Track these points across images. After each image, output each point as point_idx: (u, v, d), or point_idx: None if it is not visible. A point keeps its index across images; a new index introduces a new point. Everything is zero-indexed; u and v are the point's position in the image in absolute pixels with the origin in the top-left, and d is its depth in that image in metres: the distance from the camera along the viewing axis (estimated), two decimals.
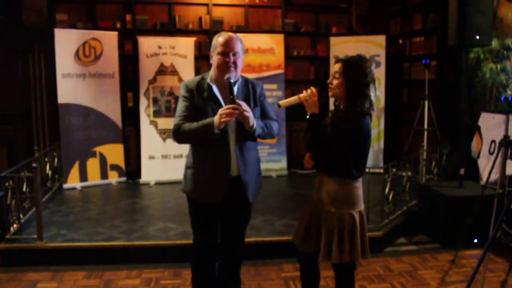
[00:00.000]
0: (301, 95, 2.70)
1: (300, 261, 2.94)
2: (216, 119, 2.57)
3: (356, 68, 2.59)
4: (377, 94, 2.70)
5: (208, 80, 2.77)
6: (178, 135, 2.74)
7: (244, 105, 2.62)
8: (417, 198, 5.21)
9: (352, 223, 2.66)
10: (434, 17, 6.63)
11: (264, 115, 2.90)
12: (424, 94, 6.29)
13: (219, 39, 2.73)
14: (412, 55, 7.21)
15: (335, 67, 2.66)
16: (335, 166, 2.66)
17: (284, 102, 2.79)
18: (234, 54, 2.70)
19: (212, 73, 2.79)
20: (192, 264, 3.01)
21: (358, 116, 2.57)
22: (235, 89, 2.73)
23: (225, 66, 2.68)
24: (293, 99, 2.76)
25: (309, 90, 2.69)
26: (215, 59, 2.73)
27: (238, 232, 3.01)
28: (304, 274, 2.96)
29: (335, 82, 2.64)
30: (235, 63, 2.70)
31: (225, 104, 2.70)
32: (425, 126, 6.30)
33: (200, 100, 2.73)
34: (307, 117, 2.67)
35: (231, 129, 2.74)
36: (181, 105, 2.77)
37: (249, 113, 2.63)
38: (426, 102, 6.26)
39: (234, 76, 2.69)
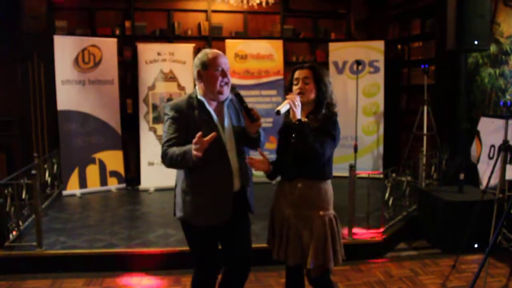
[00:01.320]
0: (289, 99, 2.62)
1: (288, 273, 2.90)
2: (193, 150, 2.40)
3: (324, 73, 2.72)
4: None
5: (199, 97, 2.69)
6: (166, 161, 2.60)
7: (257, 112, 2.66)
8: (417, 203, 5.20)
9: (337, 224, 2.73)
10: (432, 22, 6.65)
11: None
12: (423, 99, 6.30)
13: (210, 57, 2.66)
14: (411, 60, 7.24)
15: (302, 73, 2.68)
16: (319, 168, 2.68)
17: (280, 108, 2.65)
18: (227, 70, 2.69)
19: (201, 90, 2.71)
20: None
21: (335, 116, 2.72)
22: (225, 106, 2.74)
23: (222, 84, 2.65)
24: (285, 104, 2.64)
25: (291, 95, 2.65)
26: (209, 76, 2.65)
27: (248, 246, 2.92)
28: (291, 285, 2.92)
29: (307, 87, 2.68)
30: (228, 79, 2.69)
31: (218, 124, 2.68)
32: (425, 131, 6.31)
33: (193, 119, 2.63)
34: (296, 123, 2.60)
35: (228, 142, 2.69)
36: (169, 128, 2.63)
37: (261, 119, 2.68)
38: (425, 107, 6.27)
39: (228, 92, 2.71)
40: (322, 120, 2.67)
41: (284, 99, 2.70)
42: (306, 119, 2.68)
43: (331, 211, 2.72)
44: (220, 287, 2.95)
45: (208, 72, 2.65)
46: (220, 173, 2.65)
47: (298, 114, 2.62)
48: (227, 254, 2.89)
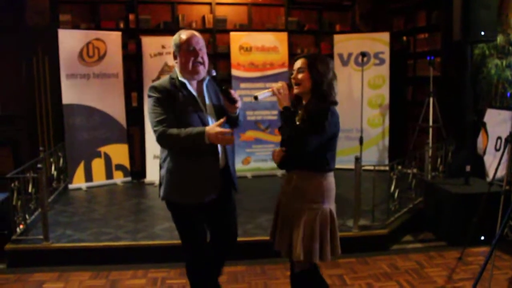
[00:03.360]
0: (273, 87, 2.68)
1: (292, 265, 2.86)
2: (212, 135, 2.54)
3: (323, 63, 2.64)
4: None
5: (180, 79, 2.76)
6: (166, 141, 2.66)
7: (235, 94, 2.73)
8: (423, 196, 5.19)
9: (331, 220, 2.65)
10: (438, 14, 6.61)
11: None
12: (428, 91, 6.27)
13: (182, 37, 2.74)
14: (417, 52, 7.20)
15: (298, 64, 2.68)
16: (315, 159, 2.63)
17: (260, 94, 2.71)
18: (201, 50, 2.75)
19: (179, 71, 2.79)
20: (196, 276, 2.92)
21: (330, 107, 2.60)
22: (204, 86, 2.83)
23: (195, 62, 2.72)
24: (266, 92, 2.71)
25: (280, 84, 2.69)
26: (182, 56, 2.74)
27: (234, 222, 3.02)
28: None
29: (300, 76, 2.65)
30: (203, 58, 2.75)
31: (201, 104, 2.76)
32: (430, 123, 6.27)
33: (178, 99, 2.71)
34: (281, 110, 2.66)
35: (211, 121, 2.77)
36: (158, 108, 2.69)
37: (240, 101, 2.75)
38: (431, 99, 6.23)
39: (204, 71, 2.79)
40: (313, 110, 2.61)
41: (290, 91, 2.72)
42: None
43: (327, 205, 2.63)
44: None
45: (181, 53, 2.74)
46: (207, 151, 2.71)
47: (283, 102, 2.65)
48: (214, 233, 2.98)
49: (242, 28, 7.29)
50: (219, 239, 2.99)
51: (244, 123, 6.89)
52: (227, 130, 2.56)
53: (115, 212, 5.25)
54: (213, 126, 2.58)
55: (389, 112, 7.16)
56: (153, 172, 6.55)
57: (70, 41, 6.17)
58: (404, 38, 7.49)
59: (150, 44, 6.56)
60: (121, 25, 6.95)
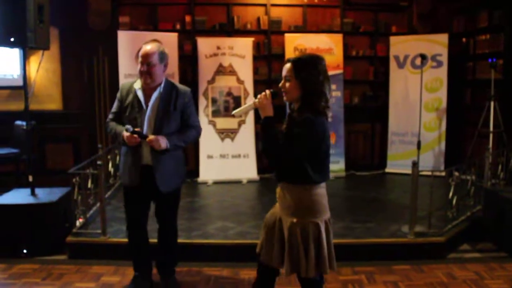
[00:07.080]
0: (255, 100, 2.58)
1: (260, 273, 2.85)
2: (123, 137, 3.22)
3: (309, 67, 2.47)
4: (331, 91, 2.59)
5: (135, 85, 3.31)
6: (107, 128, 3.46)
7: (153, 138, 3.17)
8: (482, 204, 4.99)
9: (317, 234, 2.51)
10: (501, 14, 6.35)
11: (184, 121, 3.39)
12: (489, 94, 6.03)
13: (140, 50, 3.25)
14: (477, 53, 6.94)
15: (284, 70, 2.53)
16: (294, 172, 2.51)
17: (237, 110, 2.71)
18: (148, 64, 3.18)
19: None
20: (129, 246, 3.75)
21: (313, 116, 2.43)
22: (157, 92, 3.27)
23: (140, 71, 3.21)
24: (247, 106, 2.68)
25: (263, 93, 2.55)
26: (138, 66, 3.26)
27: (166, 214, 3.65)
28: (260, 285, 2.87)
29: (288, 85, 2.51)
30: (149, 72, 3.19)
31: (144, 106, 3.28)
32: (491, 128, 6.03)
33: (126, 100, 3.32)
34: (260, 121, 2.54)
35: (148, 121, 3.28)
36: (114, 103, 3.45)
37: (156, 141, 3.17)
38: (492, 103, 5.99)
39: (151, 81, 3.26)
40: (295, 122, 2.48)
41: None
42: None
43: (312, 219, 2.51)
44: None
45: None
46: (134, 147, 3.28)
47: (263, 112, 2.53)
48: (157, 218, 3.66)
49: (297, 29, 7.27)
50: (159, 224, 3.69)
51: None
52: (136, 137, 3.17)
53: None
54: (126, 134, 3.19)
55: (446, 116, 6.95)
56: (206, 171, 6.65)
57: (128, 42, 6.35)
58: (464, 39, 7.25)
59: (205, 45, 6.66)
60: (178, 26, 7.08)
